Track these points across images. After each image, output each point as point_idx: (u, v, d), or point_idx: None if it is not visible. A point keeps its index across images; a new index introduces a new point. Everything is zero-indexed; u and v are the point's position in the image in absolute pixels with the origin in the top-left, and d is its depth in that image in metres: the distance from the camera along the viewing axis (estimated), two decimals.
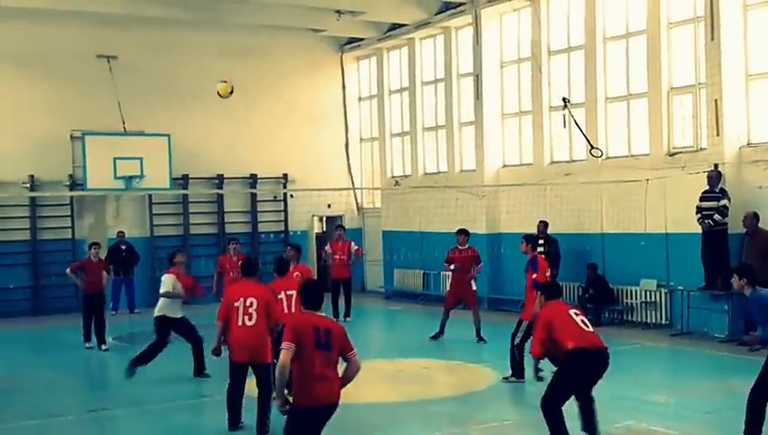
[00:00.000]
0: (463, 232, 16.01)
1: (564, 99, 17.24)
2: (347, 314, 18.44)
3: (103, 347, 15.54)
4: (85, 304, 15.76)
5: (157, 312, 13.02)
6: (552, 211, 18.32)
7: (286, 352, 6.43)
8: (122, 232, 21.28)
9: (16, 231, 20.76)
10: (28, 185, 20.99)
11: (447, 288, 16.98)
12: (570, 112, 16.94)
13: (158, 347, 12.75)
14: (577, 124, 16.95)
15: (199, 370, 12.90)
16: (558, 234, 17.99)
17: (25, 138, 20.97)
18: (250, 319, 9.27)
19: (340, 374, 6.70)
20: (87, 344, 15.60)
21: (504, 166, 20.39)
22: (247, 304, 9.30)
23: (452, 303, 15.86)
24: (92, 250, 16.03)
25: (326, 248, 19.57)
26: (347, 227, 25.10)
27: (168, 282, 12.88)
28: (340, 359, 6.77)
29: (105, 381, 13.93)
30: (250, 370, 9.51)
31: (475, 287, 15.72)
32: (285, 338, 6.53)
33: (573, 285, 17.76)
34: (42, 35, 21.28)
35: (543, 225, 17.73)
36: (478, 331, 15.32)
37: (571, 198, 17.83)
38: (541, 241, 17.60)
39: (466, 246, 15.85)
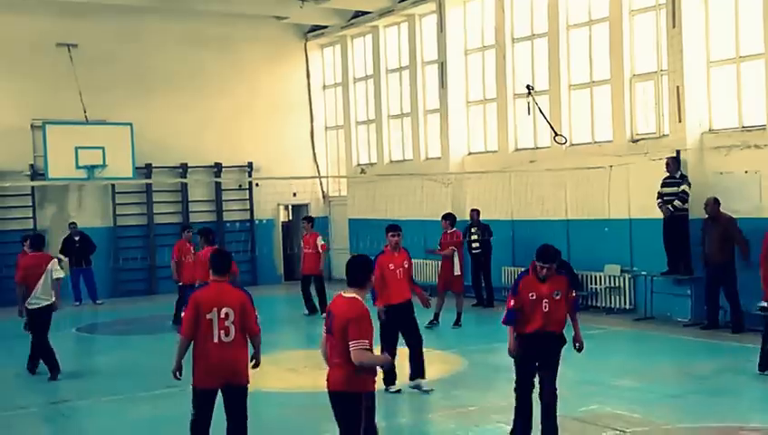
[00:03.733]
0: (447, 217, 16.29)
1: (528, 86, 17.28)
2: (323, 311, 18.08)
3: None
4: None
5: None
6: (517, 198, 18.42)
7: (322, 338, 6.64)
8: (74, 223, 21.02)
9: None
10: None
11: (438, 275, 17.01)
12: (534, 100, 16.99)
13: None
14: (541, 111, 17.02)
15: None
16: (523, 220, 18.09)
17: None
18: (227, 334, 7.20)
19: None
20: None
21: (470, 153, 20.44)
22: (222, 315, 7.19)
23: (442, 288, 16.04)
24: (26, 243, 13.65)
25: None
26: (313, 215, 25.08)
27: None
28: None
29: (69, 371, 13.77)
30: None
31: (458, 273, 15.84)
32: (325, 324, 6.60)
33: None
34: (0, 24, 20.92)
35: (476, 213, 18.08)
36: (459, 315, 15.54)
37: (536, 185, 17.93)
38: (474, 229, 17.85)
39: (451, 230, 16.01)
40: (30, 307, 12.35)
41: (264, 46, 24.25)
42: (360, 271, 6.56)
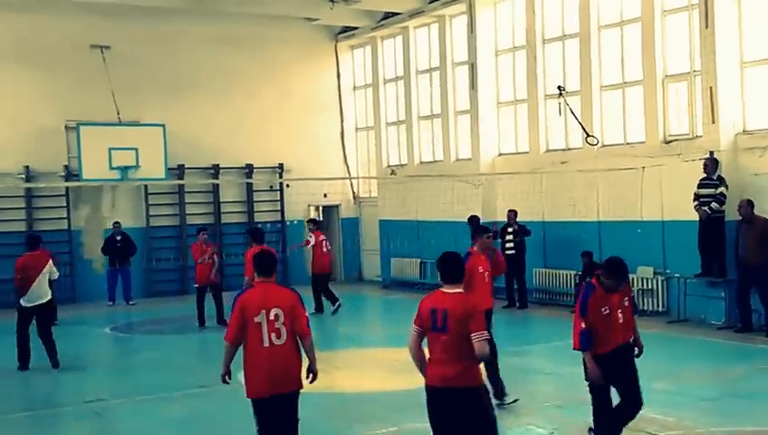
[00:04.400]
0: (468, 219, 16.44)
1: (559, 87, 17.22)
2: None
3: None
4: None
5: None
6: (549, 199, 18.35)
7: (411, 336, 6.39)
8: (118, 223, 21.24)
9: (12, 222, 20.67)
10: (23, 176, 20.95)
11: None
12: (565, 100, 16.92)
13: None
14: (572, 112, 16.95)
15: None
16: (554, 222, 18.01)
17: (20, 129, 20.92)
18: (278, 336, 6.81)
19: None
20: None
21: (500, 154, 20.39)
22: (271, 317, 6.80)
23: None
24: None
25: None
26: (344, 216, 25.18)
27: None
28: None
29: (104, 370, 13.93)
30: None
31: None
32: (414, 321, 6.43)
33: (569, 274, 17.79)
34: (35, 26, 21.21)
35: (513, 214, 18.01)
36: None
37: (567, 187, 17.85)
38: (510, 230, 17.81)
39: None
40: (27, 305, 12.82)
41: (295, 47, 24.36)
42: (458, 266, 6.48)
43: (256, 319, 6.80)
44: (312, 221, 19.69)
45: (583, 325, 7.41)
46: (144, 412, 10.60)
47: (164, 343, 16.07)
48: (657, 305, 16.34)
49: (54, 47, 21.41)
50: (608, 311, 7.44)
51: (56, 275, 13.25)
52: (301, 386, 6.97)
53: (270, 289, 6.99)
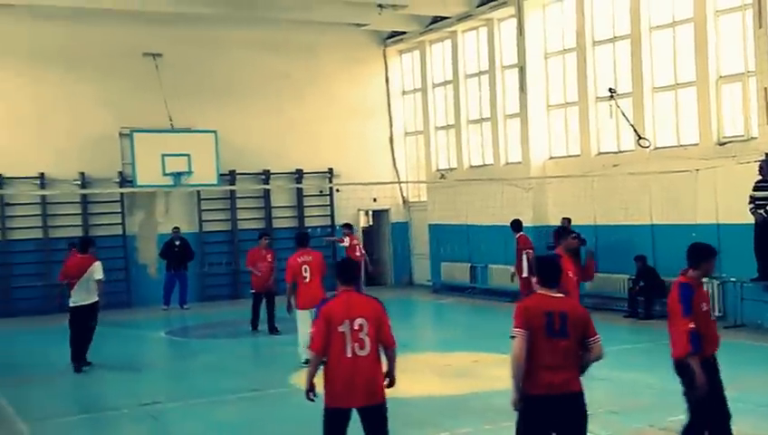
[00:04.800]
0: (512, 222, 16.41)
1: (610, 89, 17.09)
2: None
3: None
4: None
5: None
6: (600, 203, 18.17)
7: (518, 341, 6.02)
8: (177, 228, 21.52)
9: (68, 228, 21.05)
10: (79, 182, 21.38)
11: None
12: (616, 103, 16.79)
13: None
14: (624, 114, 16.79)
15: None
16: (606, 226, 17.83)
17: (76, 136, 21.34)
18: (362, 347, 6.60)
19: None
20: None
21: (551, 158, 20.27)
22: (355, 327, 6.61)
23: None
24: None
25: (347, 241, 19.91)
26: (393, 220, 25.22)
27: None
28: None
29: (159, 373, 14.14)
30: None
31: (525, 275, 15.82)
32: (515, 323, 6.10)
33: (622, 278, 17.60)
34: (89, 34, 21.62)
35: (567, 221, 17.82)
36: None
37: (619, 190, 17.65)
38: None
39: (517, 235, 16.04)
40: (72, 305, 13.36)
41: (344, 53, 24.50)
42: (559, 270, 6.38)
43: (340, 328, 6.61)
44: (346, 226, 20.01)
45: (692, 325, 6.86)
46: (198, 416, 10.73)
47: (218, 346, 16.26)
48: (714, 310, 15.99)
49: (108, 56, 21.81)
50: (706, 308, 7.11)
51: (98, 277, 13.45)
52: (384, 399, 6.74)
53: (353, 298, 6.80)
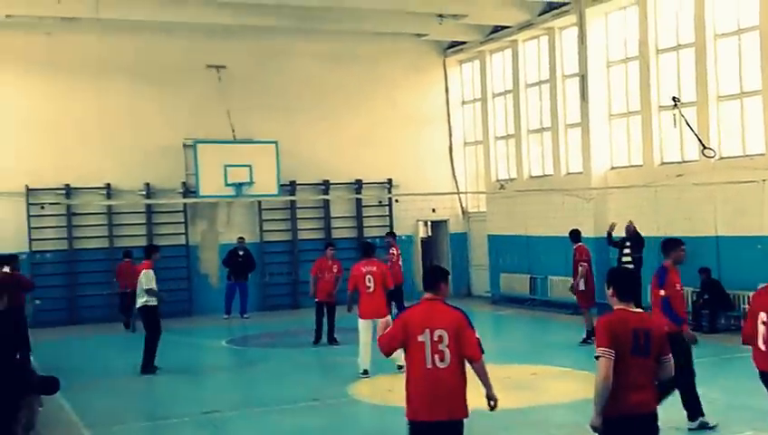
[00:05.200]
0: (570, 233, 16.13)
1: (674, 98, 16.80)
2: None
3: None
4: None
5: None
6: (663, 214, 17.85)
7: (607, 361, 5.66)
8: (242, 238, 21.77)
9: (132, 237, 21.44)
10: (144, 192, 21.79)
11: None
12: (680, 112, 16.49)
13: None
14: (688, 124, 16.49)
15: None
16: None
17: (141, 147, 21.74)
18: (442, 359, 6.30)
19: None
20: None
21: (612, 168, 20.01)
22: (435, 338, 6.31)
23: (585, 305, 15.92)
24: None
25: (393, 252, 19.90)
26: (452, 231, 25.15)
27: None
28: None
29: (220, 382, 14.31)
30: None
31: (582, 288, 15.60)
32: (599, 342, 5.74)
33: (686, 290, 17.22)
34: (154, 47, 22.04)
35: (632, 226, 17.62)
36: (588, 333, 15.23)
37: (683, 200, 17.33)
38: (628, 244, 17.37)
39: (575, 246, 15.83)
40: (137, 306, 14.15)
41: (404, 63, 24.56)
42: (636, 284, 6.11)
43: (420, 338, 6.33)
44: (390, 234, 19.92)
45: (662, 293, 8.00)
46: (258, 424, 10.83)
47: (277, 355, 16.38)
48: None
49: (173, 68, 22.22)
50: (679, 287, 8.01)
51: (145, 285, 13.88)
52: (465, 414, 6.43)
53: (435, 307, 6.47)
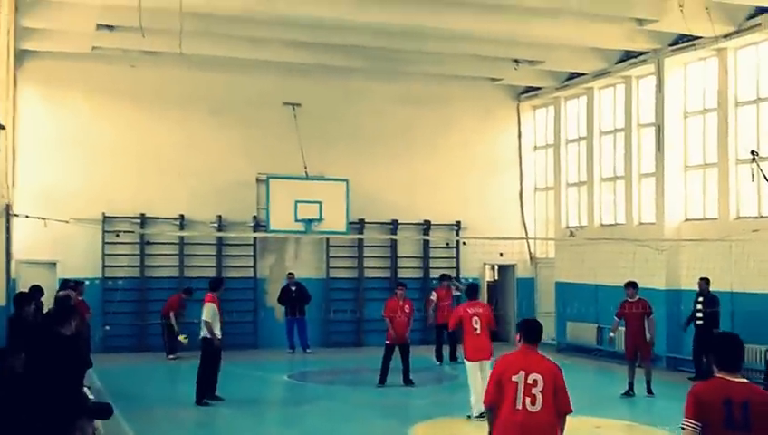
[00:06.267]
0: (631, 285, 15.81)
1: (753, 151, 16.44)
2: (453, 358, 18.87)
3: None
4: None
5: None
6: (738, 268, 17.38)
7: (690, 434, 5.30)
8: (292, 274, 21.99)
9: (203, 268, 21.76)
10: (216, 225, 22.14)
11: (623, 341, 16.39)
12: (758, 166, 16.11)
13: None
14: (766, 178, 16.09)
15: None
16: (743, 293, 17.05)
17: (215, 180, 22.13)
18: (533, 403, 6.51)
19: None
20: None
21: (686, 220, 19.61)
22: (529, 381, 6.56)
23: (631, 357, 15.63)
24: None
25: (432, 298, 19.80)
26: (519, 276, 24.92)
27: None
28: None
29: (278, 416, 14.33)
30: None
31: (648, 339, 15.32)
32: (686, 413, 5.34)
33: (760, 349, 16.72)
34: (232, 84, 22.50)
35: (704, 282, 17.24)
36: (648, 384, 15.09)
37: (760, 256, 16.85)
38: (701, 299, 16.98)
39: (636, 298, 15.54)
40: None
41: (476, 106, 24.60)
42: (742, 351, 5.60)
43: (514, 378, 6.60)
44: (446, 277, 20.38)
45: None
46: None
47: (338, 393, 16.34)
48: None
49: (250, 104, 22.64)
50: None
51: (203, 316, 14.26)
52: None
53: (532, 354, 6.84)
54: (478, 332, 12.72)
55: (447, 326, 16.30)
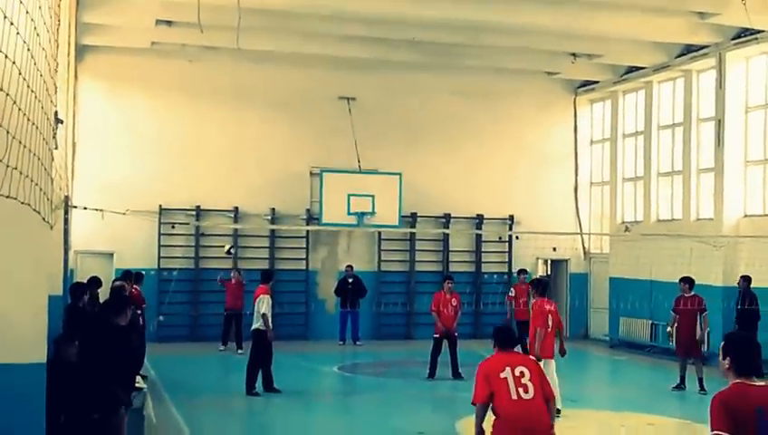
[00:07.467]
0: (685, 280, 15.62)
1: None
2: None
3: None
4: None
5: None
6: None
7: None
8: (350, 266, 22.03)
9: (256, 260, 21.92)
10: (269, 217, 22.32)
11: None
12: None
13: None
14: None
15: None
16: None
17: (269, 173, 22.30)
18: (526, 391, 6.90)
19: None
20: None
21: (746, 216, 19.18)
22: (517, 373, 6.97)
23: (682, 352, 15.46)
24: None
25: (510, 294, 19.79)
26: (572, 271, 24.68)
27: None
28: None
29: (327, 408, 14.40)
30: None
31: (698, 337, 15.07)
32: (715, 425, 4.87)
33: None
34: (289, 77, 22.60)
35: (743, 280, 16.90)
36: (700, 381, 14.89)
37: None
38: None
39: (691, 293, 15.37)
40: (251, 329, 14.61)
41: (532, 100, 24.37)
42: (758, 353, 5.14)
43: (501, 374, 6.95)
44: (523, 271, 20.27)
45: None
46: None
47: (387, 385, 16.35)
48: None
49: (305, 98, 22.75)
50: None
51: (262, 309, 14.24)
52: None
53: (511, 353, 7.29)
54: (550, 329, 12.59)
55: (525, 324, 15.97)
